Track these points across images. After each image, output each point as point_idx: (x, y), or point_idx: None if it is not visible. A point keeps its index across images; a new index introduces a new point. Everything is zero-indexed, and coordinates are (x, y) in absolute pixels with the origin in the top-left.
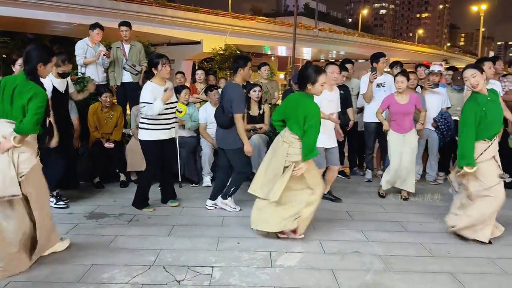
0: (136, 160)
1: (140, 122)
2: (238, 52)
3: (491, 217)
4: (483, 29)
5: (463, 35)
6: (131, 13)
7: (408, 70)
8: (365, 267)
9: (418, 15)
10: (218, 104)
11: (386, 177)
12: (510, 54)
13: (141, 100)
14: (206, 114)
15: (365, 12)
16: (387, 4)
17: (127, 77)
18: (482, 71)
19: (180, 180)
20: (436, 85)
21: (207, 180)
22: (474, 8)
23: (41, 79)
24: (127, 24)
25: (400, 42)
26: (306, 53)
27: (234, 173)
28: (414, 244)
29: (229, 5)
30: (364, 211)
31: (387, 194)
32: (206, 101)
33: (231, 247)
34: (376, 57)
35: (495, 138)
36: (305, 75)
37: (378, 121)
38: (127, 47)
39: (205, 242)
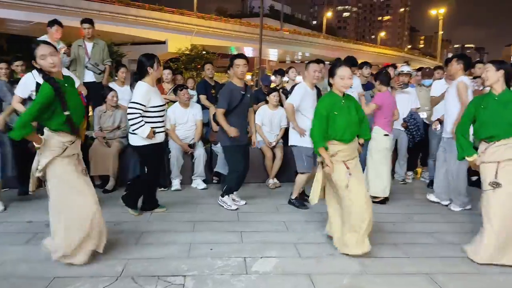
0: (100, 164)
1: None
2: (204, 52)
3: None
4: (441, 32)
5: (422, 37)
6: (93, 12)
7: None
8: (342, 270)
9: (380, 18)
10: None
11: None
12: None
13: (133, 99)
14: (175, 115)
15: (329, 14)
16: (350, 7)
17: (89, 77)
18: (498, 68)
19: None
20: (406, 85)
21: (176, 184)
22: (433, 12)
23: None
24: (89, 21)
25: (363, 44)
26: (272, 54)
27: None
28: (389, 245)
29: (195, 5)
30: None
31: None
32: (174, 101)
33: (204, 254)
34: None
35: (495, 142)
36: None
37: None
38: (89, 45)
39: (176, 249)
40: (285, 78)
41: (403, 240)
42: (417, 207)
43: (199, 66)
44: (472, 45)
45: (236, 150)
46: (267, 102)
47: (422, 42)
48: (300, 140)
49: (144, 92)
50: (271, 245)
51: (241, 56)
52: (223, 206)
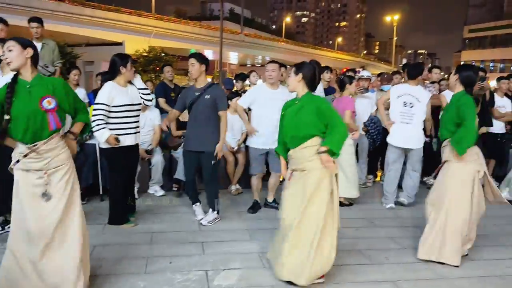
0: None
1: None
2: (163, 54)
3: None
4: (395, 38)
5: (377, 43)
6: (46, 12)
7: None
8: None
9: (337, 24)
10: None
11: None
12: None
13: (96, 100)
14: None
15: (288, 19)
16: (308, 13)
17: None
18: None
19: (101, 193)
20: (366, 90)
21: (156, 189)
22: (387, 18)
23: None
24: (37, 20)
25: (322, 49)
26: (233, 57)
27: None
28: (352, 251)
29: (153, 6)
30: None
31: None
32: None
33: (163, 268)
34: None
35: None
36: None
37: None
38: (38, 45)
39: (132, 264)
40: (247, 82)
41: (366, 245)
42: (378, 211)
43: (157, 68)
44: (424, 51)
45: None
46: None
47: (377, 47)
48: (250, 141)
49: (107, 91)
50: (234, 256)
51: (192, 55)
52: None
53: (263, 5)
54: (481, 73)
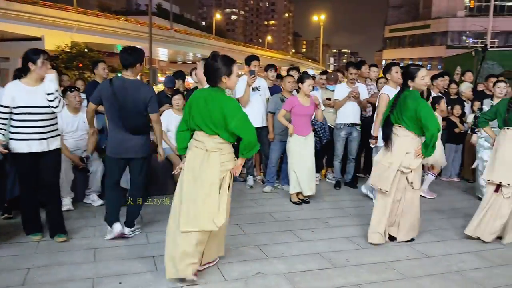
0: None
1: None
2: (86, 50)
3: None
4: (321, 38)
5: (305, 42)
6: None
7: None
8: None
9: (266, 22)
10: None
11: (292, 182)
12: (344, 60)
13: None
14: (62, 121)
15: (218, 16)
16: (237, 10)
17: None
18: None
19: None
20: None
21: (67, 203)
22: (314, 18)
23: None
24: None
25: (252, 47)
26: (162, 54)
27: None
28: (313, 255)
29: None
30: (255, 222)
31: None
32: None
33: None
34: (249, 60)
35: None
36: (216, 68)
37: (262, 125)
38: None
39: (76, 287)
40: (190, 79)
41: (325, 248)
42: (331, 211)
43: (80, 65)
44: (347, 50)
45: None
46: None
47: (304, 46)
48: None
49: (7, 91)
50: None
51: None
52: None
53: (191, 1)
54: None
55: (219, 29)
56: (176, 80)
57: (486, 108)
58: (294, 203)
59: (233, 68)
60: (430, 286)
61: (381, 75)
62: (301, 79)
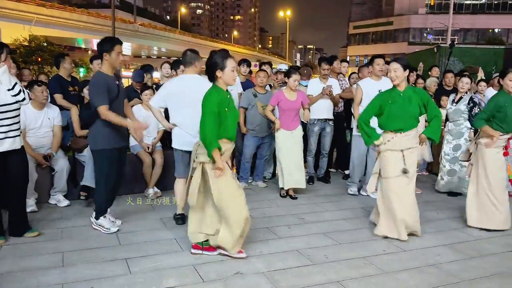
0: None
1: None
2: (45, 44)
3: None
4: (287, 34)
5: (271, 38)
6: None
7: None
8: None
9: (232, 17)
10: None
11: (281, 176)
12: (310, 56)
13: None
14: (25, 117)
15: (183, 10)
16: (203, 4)
17: None
18: (405, 68)
19: None
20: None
21: (31, 204)
22: (280, 14)
23: None
24: None
25: (219, 42)
26: (126, 48)
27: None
28: (291, 252)
29: None
30: None
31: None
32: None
33: None
34: None
35: (401, 133)
36: (210, 63)
37: None
38: None
39: None
40: (157, 74)
41: (303, 244)
42: (306, 206)
43: (40, 59)
44: (313, 46)
45: (111, 155)
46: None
47: (270, 42)
48: (177, 142)
49: None
50: (166, 271)
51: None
52: (100, 231)
53: None
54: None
55: (184, 23)
56: (145, 74)
57: (449, 104)
58: (283, 197)
59: (226, 62)
60: (409, 280)
61: (351, 70)
62: (287, 74)
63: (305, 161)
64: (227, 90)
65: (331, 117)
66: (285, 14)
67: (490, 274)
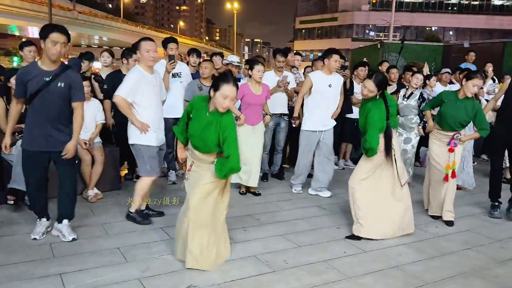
0: None
1: None
2: None
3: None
4: (234, 26)
5: (218, 30)
6: None
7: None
8: None
9: (177, 8)
10: None
11: (243, 174)
12: (257, 50)
13: None
14: None
15: None
16: None
17: None
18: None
19: None
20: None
21: None
22: (228, 6)
23: None
24: None
25: (164, 32)
26: None
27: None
28: (249, 258)
29: None
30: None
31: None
32: None
33: None
34: (166, 42)
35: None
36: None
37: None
38: None
39: None
40: (97, 64)
41: (261, 249)
42: (261, 206)
43: None
44: (260, 40)
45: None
46: None
47: (218, 34)
48: (139, 138)
49: None
50: (108, 287)
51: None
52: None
53: None
54: (341, 61)
55: (128, 12)
56: (82, 63)
57: (400, 99)
58: (243, 194)
59: (221, 85)
60: (373, 285)
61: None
62: (250, 65)
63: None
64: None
65: (286, 111)
66: (232, 6)
67: (453, 275)
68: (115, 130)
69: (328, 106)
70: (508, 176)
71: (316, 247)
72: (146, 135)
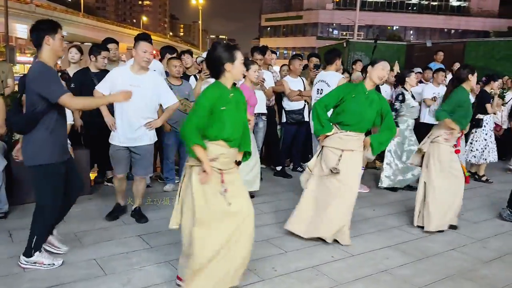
0: None
1: None
2: None
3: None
4: (199, 22)
5: (182, 26)
6: None
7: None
8: None
9: (140, 2)
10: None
11: None
12: None
13: None
14: None
15: None
16: None
17: None
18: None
19: None
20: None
21: None
22: (192, 1)
23: None
24: None
25: (127, 27)
26: (21, 30)
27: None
28: None
29: None
30: (161, 230)
31: None
32: None
33: None
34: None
35: (348, 131)
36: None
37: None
38: None
39: None
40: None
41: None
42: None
43: None
44: (225, 36)
45: (54, 171)
46: None
47: (182, 30)
48: (110, 136)
49: None
50: None
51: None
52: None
53: None
54: (315, 60)
55: (88, 6)
56: None
57: None
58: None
59: (236, 54)
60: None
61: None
62: (245, 66)
63: None
64: (235, 89)
65: (264, 111)
66: (197, 1)
67: (442, 278)
68: (83, 132)
69: None
70: None
71: (303, 252)
72: (113, 134)
